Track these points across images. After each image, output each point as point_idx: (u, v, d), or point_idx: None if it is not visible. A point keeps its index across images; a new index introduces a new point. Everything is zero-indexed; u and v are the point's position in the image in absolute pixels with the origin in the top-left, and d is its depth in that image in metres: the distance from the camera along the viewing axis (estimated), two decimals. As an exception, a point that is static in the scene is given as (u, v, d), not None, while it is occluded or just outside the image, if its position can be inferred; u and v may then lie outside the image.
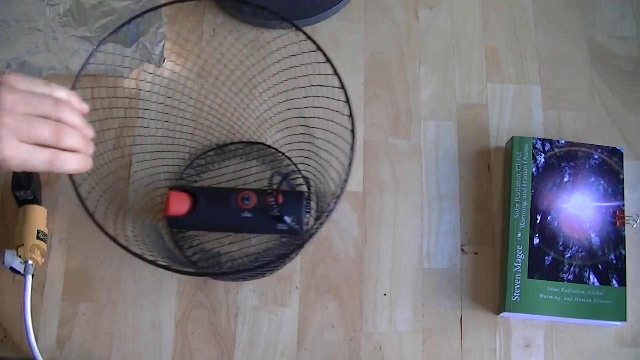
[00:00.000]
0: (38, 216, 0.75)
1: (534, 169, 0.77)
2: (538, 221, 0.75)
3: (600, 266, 0.74)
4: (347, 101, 0.60)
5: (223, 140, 0.81)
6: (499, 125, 0.83)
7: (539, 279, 0.74)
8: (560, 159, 0.78)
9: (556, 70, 0.86)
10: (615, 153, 0.78)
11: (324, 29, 0.87)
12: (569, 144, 0.78)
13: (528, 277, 0.74)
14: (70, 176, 0.55)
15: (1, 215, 0.78)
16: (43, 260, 0.75)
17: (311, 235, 0.58)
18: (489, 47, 0.87)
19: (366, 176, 0.81)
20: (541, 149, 0.78)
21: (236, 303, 0.76)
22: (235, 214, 0.72)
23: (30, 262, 0.73)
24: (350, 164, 0.58)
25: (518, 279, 0.74)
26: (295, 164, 0.79)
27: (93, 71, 0.81)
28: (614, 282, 0.74)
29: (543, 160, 0.78)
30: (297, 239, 0.75)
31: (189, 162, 0.80)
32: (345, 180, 0.58)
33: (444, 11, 0.88)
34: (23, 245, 0.73)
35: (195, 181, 0.79)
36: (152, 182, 0.78)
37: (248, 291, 0.76)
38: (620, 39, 0.87)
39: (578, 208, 0.76)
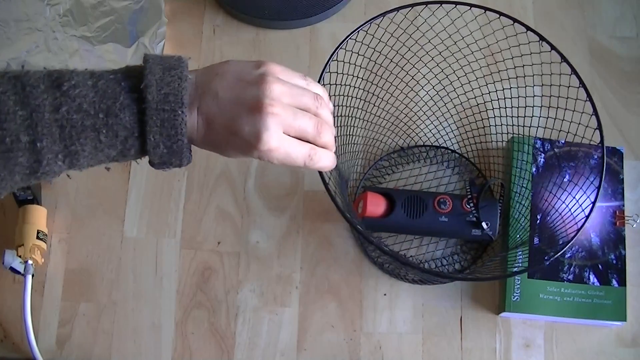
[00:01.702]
0: (38, 216, 0.75)
1: (534, 169, 0.77)
2: (538, 221, 0.75)
3: (600, 266, 0.74)
4: (595, 114, 0.60)
5: (407, 143, 0.81)
6: (499, 125, 0.83)
7: (539, 279, 0.74)
8: (560, 159, 0.78)
9: (556, 70, 0.85)
10: (615, 153, 0.78)
11: (324, 29, 0.87)
12: (569, 144, 0.78)
13: (528, 277, 0.74)
14: (321, 173, 0.55)
15: (1, 215, 0.78)
16: (43, 260, 0.75)
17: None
18: (489, 47, 0.86)
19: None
20: (541, 149, 0.78)
21: (236, 303, 0.76)
22: (433, 218, 0.73)
23: (30, 262, 0.73)
24: (599, 185, 0.59)
25: (518, 279, 0.74)
26: (479, 170, 0.80)
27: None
28: (614, 282, 0.74)
29: (543, 160, 0.78)
30: (487, 244, 0.77)
31: (373, 163, 0.80)
32: (593, 204, 0.58)
33: (444, 11, 0.88)
34: (23, 245, 0.73)
35: (381, 183, 0.80)
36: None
37: (248, 291, 0.76)
38: (620, 39, 0.87)
39: (578, 208, 0.76)
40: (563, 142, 0.79)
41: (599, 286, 0.74)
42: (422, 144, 0.82)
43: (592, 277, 0.74)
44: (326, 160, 0.50)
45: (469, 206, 0.72)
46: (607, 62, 0.86)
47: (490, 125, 0.82)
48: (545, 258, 0.57)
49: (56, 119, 0.44)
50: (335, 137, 0.52)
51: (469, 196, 0.71)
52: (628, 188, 0.79)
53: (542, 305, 0.73)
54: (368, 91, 0.77)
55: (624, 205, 0.77)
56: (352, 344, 0.75)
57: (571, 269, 0.74)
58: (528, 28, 0.65)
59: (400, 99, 0.80)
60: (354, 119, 0.74)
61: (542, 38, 0.64)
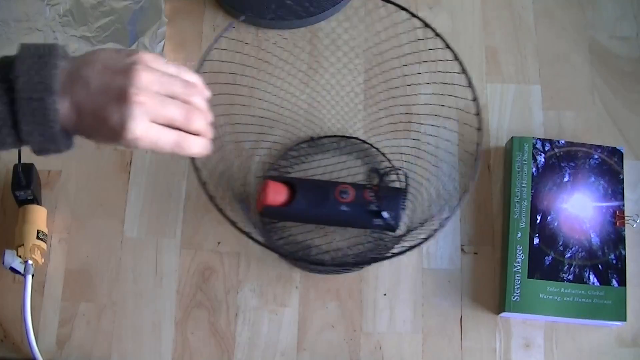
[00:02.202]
0: (38, 216, 0.75)
1: (534, 169, 0.77)
2: (538, 221, 0.75)
3: (600, 266, 0.74)
4: (475, 99, 0.59)
5: (317, 133, 0.81)
6: (499, 125, 0.83)
7: (539, 279, 0.74)
8: (560, 159, 0.78)
9: (556, 70, 0.86)
10: (615, 153, 0.78)
11: (324, 29, 0.86)
12: (569, 144, 0.78)
13: (528, 277, 0.74)
14: (193, 160, 0.55)
15: (1, 215, 0.78)
16: (43, 260, 0.75)
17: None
18: (489, 47, 0.87)
19: (366, 176, 0.81)
20: (541, 149, 0.78)
21: (236, 303, 0.76)
22: (333, 207, 0.72)
23: (30, 262, 0.73)
24: (476, 165, 0.58)
25: (518, 279, 0.74)
26: (389, 160, 0.79)
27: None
28: (614, 282, 0.74)
29: (543, 160, 0.78)
30: (390, 234, 0.75)
31: (282, 153, 0.80)
32: (472, 183, 0.58)
33: (444, 11, 0.88)
34: (23, 245, 0.73)
35: (289, 172, 0.79)
36: (245, 174, 0.79)
37: (248, 291, 0.76)
38: (620, 39, 0.87)
39: (578, 208, 0.76)
40: (563, 142, 0.79)
41: (599, 286, 0.74)
42: (331, 134, 0.81)
43: (592, 277, 0.74)
44: (197, 147, 0.51)
45: (370, 195, 0.71)
46: (607, 62, 0.86)
47: (411, 122, 0.81)
48: (423, 238, 0.57)
49: None
50: (217, 124, 0.53)
51: (368, 185, 0.71)
52: (628, 188, 0.79)
53: (542, 305, 0.73)
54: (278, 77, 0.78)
55: (624, 205, 0.77)
56: (352, 344, 0.75)
57: (571, 269, 0.74)
58: (436, 34, 0.65)
59: (310, 89, 0.81)
60: (256, 108, 0.74)
61: (447, 45, 0.64)
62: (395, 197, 0.73)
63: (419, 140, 0.77)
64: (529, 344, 0.75)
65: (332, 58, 0.83)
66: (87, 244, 0.77)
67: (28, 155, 0.77)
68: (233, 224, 0.56)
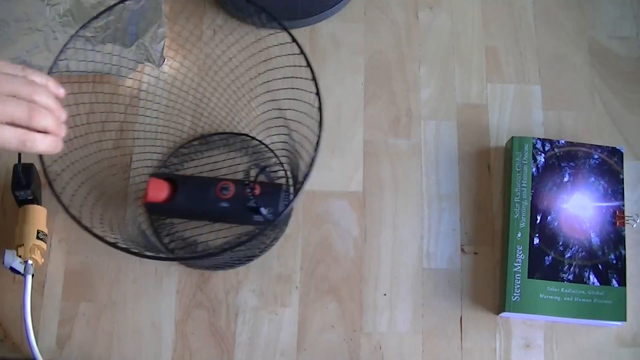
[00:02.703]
0: (38, 216, 0.75)
1: (534, 169, 0.77)
2: (538, 221, 0.75)
3: (600, 266, 0.74)
4: (320, 108, 0.60)
5: (208, 131, 0.81)
6: (499, 125, 0.83)
7: (539, 279, 0.74)
8: (560, 159, 0.78)
9: (556, 70, 0.86)
10: (615, 153, 0.78)
11: (324, 29, 0.87)
12: (569, 144, 0.78)
13: (528, 277, 0.74)
14: (41, 157, 0.56)
15: (1, 215, 0.78)
16: (43, 260, 0.75)
17: (276, 218, 0.58)
18: (489, 47, 0.87)
19: (366, 176, 0.81)
20: (541, 149, 0.78)
21: (236, 303, 0.76)
22: (213, 204, 0.72)
23: (30, 262, 0.73)
24: (316, 150, 0.59)
25: (518, 279, 0.74)
26: (277, 157, 0.80)
27: (89, 70, 0.81)
28: (614, 282, 0.74)
29: (543, 160, 0.78)
30: (270, 228, 0.75)
31: (174, 150, 0.80)
32: (311, 166, 0.58)
33: (444, 11, 0.88)
34: (23, 245, 0.73)
35: (179, 170, 0.80)
36: (141, 172, 0.79)
37: (248, 291, 0.76)
38: (620, 39, 0.87)
39: (578, 208, 0.76)
40: (563, 142, 0.79)
41: (599, 286, 0.74)
42: (221, 131, 0.82)
43: (592, 277, 0.74)
44: (43, 144, 0.51)
45: (248, 192, 0.71)
46: (607, 62, 0.86)
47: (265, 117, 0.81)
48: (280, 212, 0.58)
49: None
50: (65, 122, 0.53)
51: (246, 182, 0.71)
52: (628, 188, 0.79)
53: (542, 305, 0.73)
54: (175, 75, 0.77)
55: (624, 205, 0.77)
56: (352, 344, 0.75)
57: (571, 269, 0.74)
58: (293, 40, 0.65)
59: (202, 86, 0.81)
60: (144, 109, 0.74)
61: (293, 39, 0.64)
62: (275, 193, 0.73)
63: (287, 135, 0.76)
64: (529, 344, 0.75)
65: (224, 57, 0.83)
66: (87, 244, 0.77)
67: (28, 155, 0.77)
68: (79, 223, 0.57)
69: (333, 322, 0.75)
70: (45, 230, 0.76)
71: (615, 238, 0.75)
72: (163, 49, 0.83)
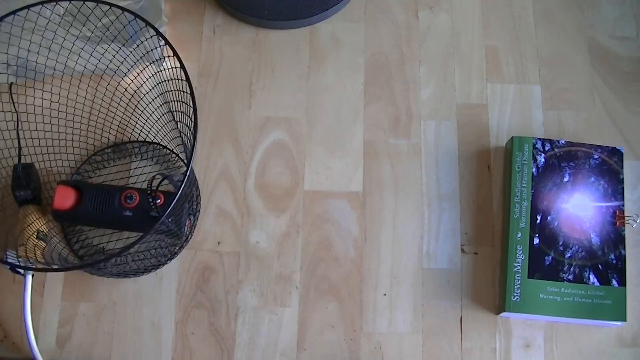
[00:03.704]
0: (38, 216, 0.75)
1: (534, 169, 0.77)
2: (538, 221, 0.75)
3: (600, 266, 0.74)
4: (192, 94, 0.61)
5: (120, 139, 0.81)
6: (499, 125, 0.83)
7: (539, 279, 0.74)
8: (560, 159, 0.78)
9: (556, 70, 0.86)
10: (615, 153, 0.78)
11: (324, 29, 0.87)
12: (569, 144, 0.78)
13: (528, 277, 0.74)
14: None
15: (1, 215, 0.78)
16: (43, 260, 0.75)
17: (160, 218, 0.58)
18: (489, 47, 0.87)
19: (366, 176, 0.81)
20: (541, 149, 0.78)
21: (236, 303, 0.76)
22: (117, 212, 0.72)
23: (30, 262, 0.73)
24: (192, 150, 0.60)
25: (518, 279, 0.74)
26: (187, 165, 0.80)
27: (88, 70, 0.81)
28: (614, 282, 0.74)
29: (543, 160, 0.78)
30: (175, 241, 0.76)
31: (86, 158, 0.80)
32: (190, 162, 0.59)
33: (444, 11, 0.88)
34: (23, 245, 0.73)
35: (91, 177, 0.80)
36: (52, 179, 0.79)
37: (248, 291, 0.76)
38: (620, 39, 0.87)
39: (578, 208, 0.76)
40: (563, 142, 0.79)
41: (599, 286, 0.74)
42: (135, 139, 0.82)
43: (592, 277, 0.74)
44: None
45: (150, 201, 0.71)
46: (607, 62, 0.86)
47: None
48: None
49: None
50: None
51: (148, 191, 0.71)
52: (628, 188, 0.79)
53: (542, 305, 0.73)
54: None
55: (624, 205, 0.77)
56: (352, 344, 0.75)
57: (571, 269, 0.74)
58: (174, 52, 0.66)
59: (114, 95, 0.81)
60: (61, 118, 0.74)
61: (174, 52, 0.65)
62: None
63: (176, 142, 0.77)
64: (529, 344, 0.75)
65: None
66: (87, 244, 0.77)
67: (28, 155, 0.77)
68: None
69: (333, 322, 0.75)
70: (45, 230, 0.75)
71: (615, 238, 0.75)
72: (163, 48, 0.83)
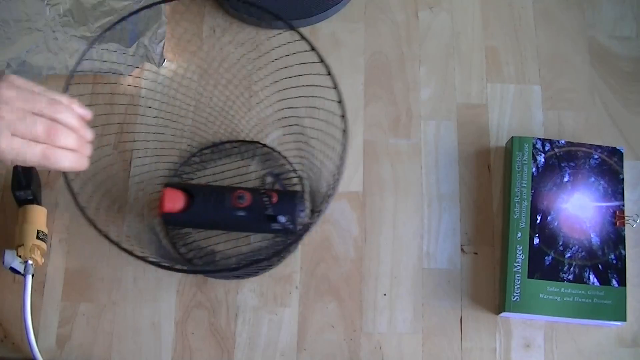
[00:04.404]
0: (38, 216, 0.75)
1: (534, 169, 0.77)
2: (538, 221, 0.75)
3: (600, 266, 0.74)
4: (340, 101, 0.60)
5: (219, 139, 0.81)
6: (499, 125, 0.83)
7: (539, 279, 0.74)
8: (560, 159, 0.78)
9: (556, 70, 0.86)
10: (615, 153, 0.78)
11: (324, 29, 0.87)
12: (569, 144, 0.78)
13: (528, 277, 0.74)
14: (64, 173, 0.56)
15: (1, 215, 0.78)
16: (43, 260, 0.75)
17: (302, 235, 0.58)
18: (489, 47, 0.87)
19: (366, 176, 0.81)
20: (541, 149, 0.78)
21: (236, 303, 0.76)
22: (230, 213, 0.72)
23: (30, 262, 0.73)
24: (341, 165, 0.58)
25: (518, 279, 0.74)
26: (291, 164, 0.80)
27: (88, 70, 0.81)
28: (614, 282, 0.74)
29: (543, 160, 0.78)
30: (290, 238, 0.75)
31: (185, 159, 0.80)
32: (337, 180, 0.58)
33: (444, 11, 0.88)
34: (23, 245, 0.73)
35: (192, 179, 0.79)
36: (150, 180, 0.78)
37: (248, 291, 0.76)
38: (620, 39, 0.87)
39: (578, 208, 0.76)
40: (563, 142, 0.79)
41: (599, 286, 0.74)
42: (234, 139, 0.81)
43: (592, 277, 0.74)
44: (66, 160, 0.52)
45: (265, 200, 0.71)
46: (607, 62, 0.86)
47: (308, 127, 0.80)
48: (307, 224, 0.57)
49: None
50: (91, 141, 0.54)
51: (263, 190, 0.71)
52: (628, 188, 0.79)
53: (542, 305, 0.73)
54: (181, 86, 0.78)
55: (624, 205, 0.77)
56: (352, 344, 0.75)
57: (571, 269, 0.74)
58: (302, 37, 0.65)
59: (215, 95, 0.81)
60: (161, 119, 0.74)
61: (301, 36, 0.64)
62: (291, 200, 0.72)
63: (305, 142, 0.77)
64: (529, 344, 0.75)
65: (236, 64, 0.83)
66: (87, 244, 0.77)
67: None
68: (105, 236, 0.57)
69: (333, 322, 0.75)
70: (45, 230, 0.75)
71: (615, 238, 0.75)
72: (163, 49, 0.83)
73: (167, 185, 0.74)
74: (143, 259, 0.55)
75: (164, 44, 0.83)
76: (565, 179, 0.77)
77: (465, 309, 0.76)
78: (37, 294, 0.75)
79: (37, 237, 0.74)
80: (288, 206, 0.72)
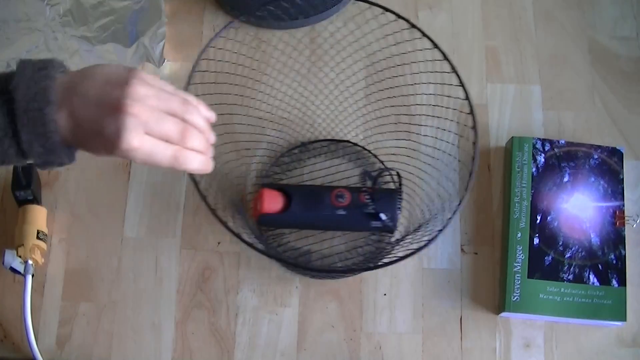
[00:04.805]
0: (38, 216, 0.75)
1: (534, 169, 0.77)
2: (538, 221, 0.75)
3: (600, 266, 0.74)
4: (472, 113, 0.60)
5: (308, 138, 0.81)
6: (499, 125, 0.83)
7: (539, 279, 0.74)
8: (560, 159, 0.78)
9: (556, 70, 0.86)
10: (615, 153, 0.78)
11: (324, 29, 0.86)
12: (569, 144, 0.78)
13: (528, 277, 0.74)
14: (191, 175, 0.56)
15: (1, 215, 0.78)
16: (43, 260, 0.75)
17: (432, 239, 0.57)
18: (489, 47, 0.87)
19: (366, 176, 0.81)
20: (541, 149, 0.78)
21: (236, 303, 0.76)
22: (330, 212, 0.72)
23: (30, 262, 0.73)
24: (471, 179, 0.58)
25: (518, 279, 0.74)
26: (381, 162, 0.80)
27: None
28: (614, 282, 0.74)
29: (543, 160, 0.78)
30: (390, 236, 0.76)
31: (275, 159, 0.80)
32: (467, 189, 0.58)
33: (444, 11, 0.88)
34: (23, 245, 0.73)
35: (282, 179, 0.79)
36: (238, 180, 0.78)
37: (248, 291, 0.76)
38: (620, 39, 0.87)
39: (578, 208, 0.76)
40: (563, 142, 0.79)
41: (599, 286, 0.74)
42: (322, 138, 0.82)
43: (592, 277, 0.74)
44: (195, 163, 0.51)
45: (365, 198, 0.71)
46: (607, 62, 0.86)
47: (406, 123, 0.81)
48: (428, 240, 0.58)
49: None
50: (214, 143, 0.54)
51: (364, 188, 0.71)
52: (628, 188, 0.79)
53: (542, 305, 0.73)
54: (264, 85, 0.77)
55: (624, 205, 0.77)
56: (352, 344, 0.75)
57: (571, 269, 0.74)
58: (424, 34, 0.65)
59: (302, 94, 0.81)
60: (252, 117, 0.74)
61: (435, 45, 0.65)
62: (390, 198, 0.73)
63: (411, 140, 0.77)
64: (529, 344, 0.75)
65: (330, 61, 0.82)
66: (87, 244, 0.77)
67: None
68: (237, 236, 0.57)
69: (333, 322, 0.75)
70: (45, 230, 0.76)
71: (615, 238, 0.75)
72: (163, 49, 0.83)
73: (264, 185, 0.74)
74: (296, 265, 0.54)
75: (164, 44, 0.83)
76: (565, 179, 0.77)
77: (465, 309, 0.76)
78: (37, 294, 0.75)
79: (37, 237, 0.74)
80: (387, 204, 0.72)
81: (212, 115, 0.54)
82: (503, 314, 0.75)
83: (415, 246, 0.58)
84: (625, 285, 0.74)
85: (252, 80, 0.79)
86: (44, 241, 0.75)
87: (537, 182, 0.77)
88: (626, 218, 0.76)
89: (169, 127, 0.49)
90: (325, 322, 0.75)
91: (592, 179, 0.77)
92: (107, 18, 0.83)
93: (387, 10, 0.65)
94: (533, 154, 0.78)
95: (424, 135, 0.77)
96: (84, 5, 0.84)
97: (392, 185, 0.77)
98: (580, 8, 0.89)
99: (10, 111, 0.46)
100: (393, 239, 0.76)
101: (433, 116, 0.77)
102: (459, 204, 0.58)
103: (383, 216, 0.71)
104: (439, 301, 0.76)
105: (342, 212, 0.72)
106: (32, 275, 0.73)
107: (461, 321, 0.76)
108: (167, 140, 0.49)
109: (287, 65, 0.83)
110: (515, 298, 0.73)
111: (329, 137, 0.81)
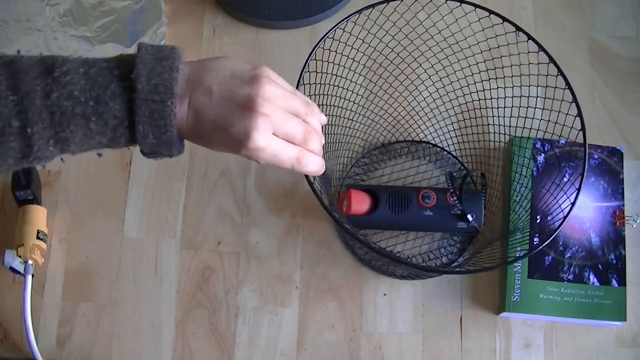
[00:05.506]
0: (38, 216, 0.75)
1: (534, 169, 0.77)
2: (538, 221, 0.75)
3: (600, 266, 0.74)
4: (583, 129, 0.61)
5: (388, 140, 0.81)
6: (499, 125, 0.83)
7: (539, 279, 0.74)
8: (560, 159, 0.78)
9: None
10: (615, 153, 0.78)
11: (324, 29, 0.86)
12: (569, 144, 0.78)
13: (528, 277, 0.74)
14: (308, 177, 0.55)
15: (1, 215, 0.78)
16: (43, 260, 0.75)
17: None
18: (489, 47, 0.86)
19: (366, 176, 0.81)
20: (541, 149, 0.78)
21: (236, 303, 0.76)
22: (417, 213, 0.72)
23: (30, 262, 0.73)
24: (577, 194, 0.59)
25: (518, 279, 0.74)
26: (461, 163, 0.80)
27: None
28: (614, 282, 0.74)
29: (543, 160, 0.78)
30: (473, 236, 0.77)
31: (355, 161, 0.80)
32: (577, 197, 0.59)
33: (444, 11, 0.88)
34: (23, 245, 0.73)
35: (363, 180, 0.80)
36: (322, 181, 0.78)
37: (248, 291, 0.76)
38: (620, 39, 0.87)
39: (578, 208, 0.76)
40: (563, 142, 0.79)
41: (599, 286, 0.74)
42: (402, 139, 0.82)
43: (592, 277, 0.74)
44: (314, 165, 0.51)
45: (452, 199, 0.72)
46: (607, 62, 0.86)
47: (487, 124, 0.82)
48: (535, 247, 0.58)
49: (47, 105, 0.44)
50: (323, 145, 0.53)
51: (452, 189, 0.71)
52: (628, 188, 0.79)
53: (542, 305, 0.73)
54: (350, 89, 0.77)
55: (624, 205, 0.77)
56: (352, 344, 0.75)
57: (571, 269, 0.74)
58: (529, 37, 0.65)
59: (379, 96, 0.81)
60: (335, 117, 0.73)
61: (541, 48, 0.65)
62: (475, 199, 0.73)
63: (492, 141, 0.78)
64: (529, 344, 0.75)
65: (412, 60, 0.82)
66: (87, 244, 0.77)
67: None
68: (367, 244, 0.57)
69: (333, 322, 0.75)
70: (45, 230, 0.76)
71: (615, 238, 0.75)
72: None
73: (350, 187, 0.74)
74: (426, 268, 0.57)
75: (163, 44, 0.83)
76: (565, 179, 0.77)
77: (465, 309, 0.76)
78: (37, 294, 0.75)
79: (37, 237, 0.74)
80: (473, 205, 0.72)
81: (324, 119, 0.54)
82: (503, 314, 0.75)
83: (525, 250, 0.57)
84: (625, 285, 0.74)
85: (333, 81, 0.79)
86: (44, 241, 0.75)
87: (537, 182, 0.77)
88: (626, 218, 0.76)
89: (294, 129, 0.49)
90: (325, 322, 0.75)
91: (592, 179, 0.77)
92: (107, 18, 0.83)
93: (491, 12, 0.66)
94: (533, 154, 0.78)
95: (504, 134, 0.77)
96: (84, 5, 0.84)
97: (471, 187, 0.78)
98: (580, 8, 0.89)
99: (130, 100, 0.45)
100: (482, 242, 0.77)
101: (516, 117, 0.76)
102: (571, 207, 0.58)
103: (470, 217, 0.71)
104: (439, 301, 0.76)
105: (429, 212, 0.72)
106: (32, 275, 0.73)
107: (461, 321, 0.76)
108: (290, 142, 0.49)
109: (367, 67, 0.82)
110: (515, 298, 0.73)
111: (408, 139, 0.82)
